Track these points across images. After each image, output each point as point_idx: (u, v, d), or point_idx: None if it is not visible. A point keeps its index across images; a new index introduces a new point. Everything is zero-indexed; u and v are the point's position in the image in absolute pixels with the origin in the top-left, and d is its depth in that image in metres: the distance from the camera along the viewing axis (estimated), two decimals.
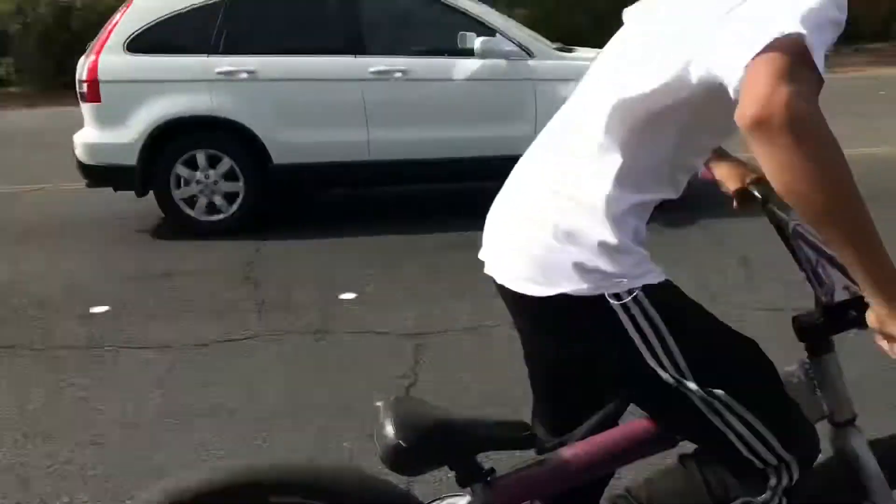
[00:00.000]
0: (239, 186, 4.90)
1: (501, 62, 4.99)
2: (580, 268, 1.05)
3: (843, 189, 0.85)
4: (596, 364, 1.15)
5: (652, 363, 1.06)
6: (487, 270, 1.18)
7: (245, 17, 4.95)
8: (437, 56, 5.14)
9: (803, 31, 0.85)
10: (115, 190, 5.04)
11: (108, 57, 4.69)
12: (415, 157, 5.06)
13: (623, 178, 1.06)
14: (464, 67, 5.01)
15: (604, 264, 1.05)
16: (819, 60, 0.86)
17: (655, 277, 1.08)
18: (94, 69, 4.65)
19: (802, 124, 0.82)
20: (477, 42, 4.97)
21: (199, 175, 4.84)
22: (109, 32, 4.76)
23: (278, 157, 4.90)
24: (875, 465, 1.19)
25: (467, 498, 1.13)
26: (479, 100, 5.05)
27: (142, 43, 4.78)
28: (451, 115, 5.05)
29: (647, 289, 1.06)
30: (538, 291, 1.07)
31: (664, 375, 1.06)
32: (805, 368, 1.19)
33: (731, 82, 0.89)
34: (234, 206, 4.91)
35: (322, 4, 5.15)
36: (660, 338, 1.06)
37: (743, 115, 0.85)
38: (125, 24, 4.78)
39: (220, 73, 4.80)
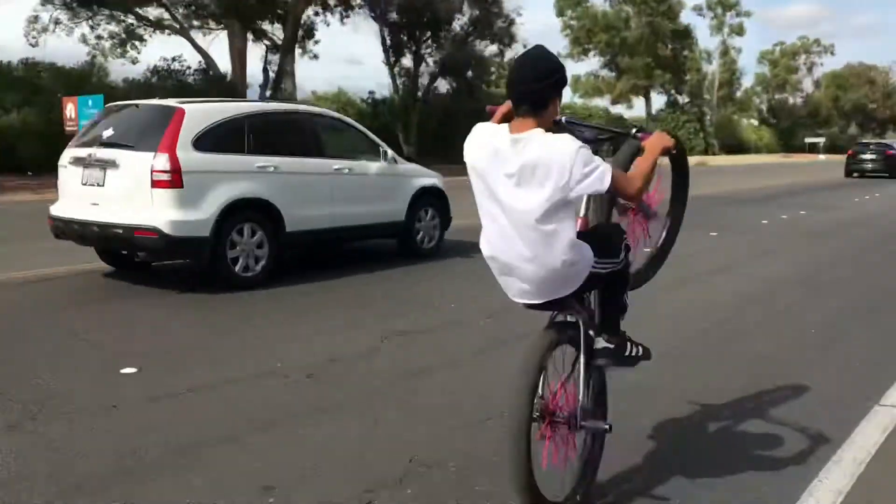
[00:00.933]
0: (264, 251, 7.81)
1: (388, 164, 9.23)
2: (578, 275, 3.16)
3: (648, 180, 3.17)
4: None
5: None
6: (520, 301, 3.26)
7: (259, 129, 8.06)
8: (366, 160, 9.10)
9: (608, 170, 2.96)
10: (187, 259, 7.80)
11: (183, 153, 7.28)
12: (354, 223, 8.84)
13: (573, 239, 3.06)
14: (375, 166, 9.13)
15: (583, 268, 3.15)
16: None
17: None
18: (175, 161, 7.18)
19: (641, 189, 3.16)
20: (389, 152, 9.13)
21: (243, 242, 7.65)
22: (174, 135, 7.29)
23: (289, 226, 7.99)
24: None
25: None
26: (381, 185, 9.19)
27: (200, 143, 7.44)
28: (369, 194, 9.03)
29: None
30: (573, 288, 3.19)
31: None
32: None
33: (602, 188, 2.96)
34: (259, 267, 7.79)
35: (304, 127, 8.72)
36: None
37: (631, 197, 3.17)
38: (187, 128, 7.36)
39: (258, 167, 7.78)
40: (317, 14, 37.36)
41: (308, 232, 8.29)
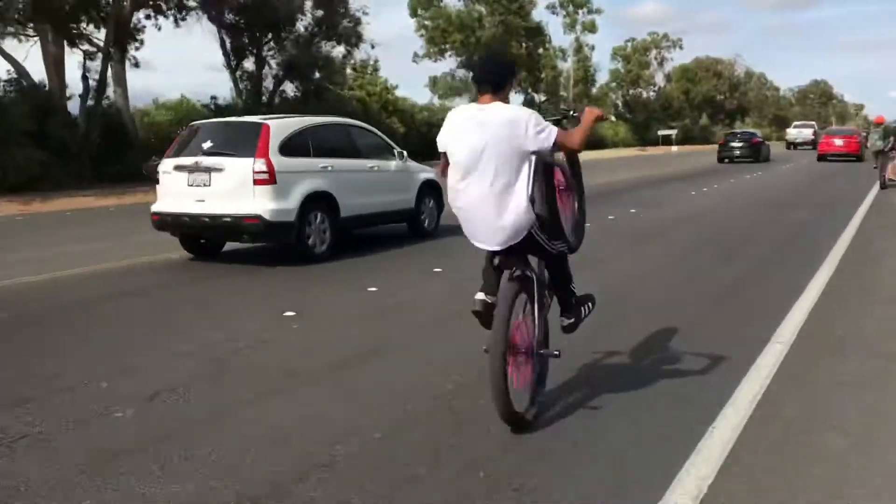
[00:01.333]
0: (328, 233, 11.34)
1: (402, 162, 13.01)
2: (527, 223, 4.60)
3: (585, 137, 4.71)
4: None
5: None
6: (485, 247, 4.78)
7: (318, 137, 11.65)
8: (387, 159, 12.82)
9: (554, 129, 4.57)
10: (276, 242, 11.34)
11: (274, 157, 10.72)
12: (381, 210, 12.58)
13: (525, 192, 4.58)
14: (393, 164, 12.87)
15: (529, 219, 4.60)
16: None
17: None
18: (270, 164, 10.64)
19: (582, 142, 4.71)
20: (404, 153, 12.92)
21: (314, 225, 11.13)
22: (266, 144, 10.69)
23: (343, 213, 11.58)
24: None
25: None
26: (398, 179, 13.00)
27: (283, 150, 10.91)
28: (390, 187, 12.81)
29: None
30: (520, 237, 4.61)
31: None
32: None
33: (549, 144, 4.53)
34: (325, 245, 11.33)
35: (345, 134, 12.44)
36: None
37: (575, 148, 4.79)
38: (273, 139, 10.79)
39: (321, 167, 11.39)
40: (148, 17, 38.14)
41: (354, 217, 11.91)
